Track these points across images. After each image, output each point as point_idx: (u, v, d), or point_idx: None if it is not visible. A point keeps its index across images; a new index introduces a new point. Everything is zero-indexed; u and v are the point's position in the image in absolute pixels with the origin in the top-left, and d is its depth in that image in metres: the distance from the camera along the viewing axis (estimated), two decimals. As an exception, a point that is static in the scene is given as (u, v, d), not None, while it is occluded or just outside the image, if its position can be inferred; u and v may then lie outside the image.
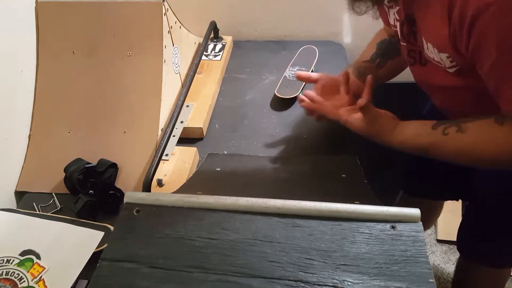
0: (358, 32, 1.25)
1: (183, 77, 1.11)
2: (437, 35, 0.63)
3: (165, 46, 0.96)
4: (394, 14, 0.75)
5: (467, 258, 1.09)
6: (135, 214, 0.60)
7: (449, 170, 1.01)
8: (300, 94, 0.90)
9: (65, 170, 0.87)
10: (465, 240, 1.03)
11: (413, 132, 0.73)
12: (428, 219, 1.37)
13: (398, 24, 0.75)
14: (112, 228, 0.78)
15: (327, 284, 0.51)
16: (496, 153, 0.64)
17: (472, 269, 1.10)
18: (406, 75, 0.88)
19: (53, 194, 0.90)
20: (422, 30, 0.68)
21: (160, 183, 0.88)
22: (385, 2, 0.71)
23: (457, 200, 1.17)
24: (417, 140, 0.72)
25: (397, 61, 0.91)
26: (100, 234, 0.77)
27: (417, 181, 1.13)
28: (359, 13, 0.69)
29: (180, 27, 1.07)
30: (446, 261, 1.56)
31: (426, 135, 0.71)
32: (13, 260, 0.73)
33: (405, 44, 0.75)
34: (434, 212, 1.35)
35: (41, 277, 0.71)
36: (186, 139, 1.00)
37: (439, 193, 1.14)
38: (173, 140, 0.96)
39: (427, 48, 0.68)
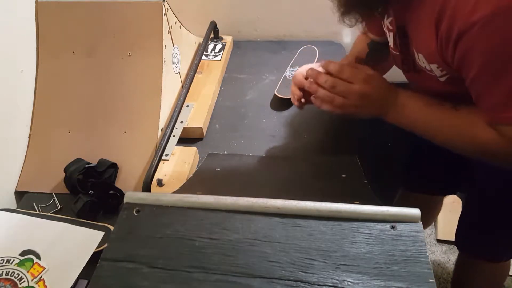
0: (358, 32, 1.25)
1: (183, 77, 1.11)
2: (426, 46, 0.66)
3: (165, 46, 0.96)
4: (387, 24, 0.76)
5: (466, 253, 1.09)
6: (135, 214, 0.60)
7: (448, 163, 1.01)
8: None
9: (65, 170, 0.87)
10: (463, 234, 1.03)
11: (422, 103, 0.72)
12: (428, 216, 1.38)
13: (391, 34, 0.76)
14: (112, 228, 0.78)
15: (327, 284, 0.51)
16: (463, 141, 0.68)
17: (471, 266, 1.10)
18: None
19: (53, 194, 0.90)
20: (413, 41, 0.69)
21: (160, 183, 0.88)
22: (376, 13, 0.72)
23: (456, 193, 1.17)
24: (428, 110, 0.71)
25: (381, 67, 0.91)
26: (100, 234, 0.77)
27: (417, 175, 1.13)
28: (350, 26, 0.70)
29: (180, 27, 1.07)
30: (446, 261, 1.56)
31: (437, 105, 0.70)
32: (13, 260, 0.73)
33: (398, 53, 0.76)
34: (434, 209, 1.35)
35: (41, 277, 0.71)
36: (186, 139, 1.00)
37: (438, 188, 1.14)
38: (173, 140, 0.96)
39: (418, 58, 0.70)
